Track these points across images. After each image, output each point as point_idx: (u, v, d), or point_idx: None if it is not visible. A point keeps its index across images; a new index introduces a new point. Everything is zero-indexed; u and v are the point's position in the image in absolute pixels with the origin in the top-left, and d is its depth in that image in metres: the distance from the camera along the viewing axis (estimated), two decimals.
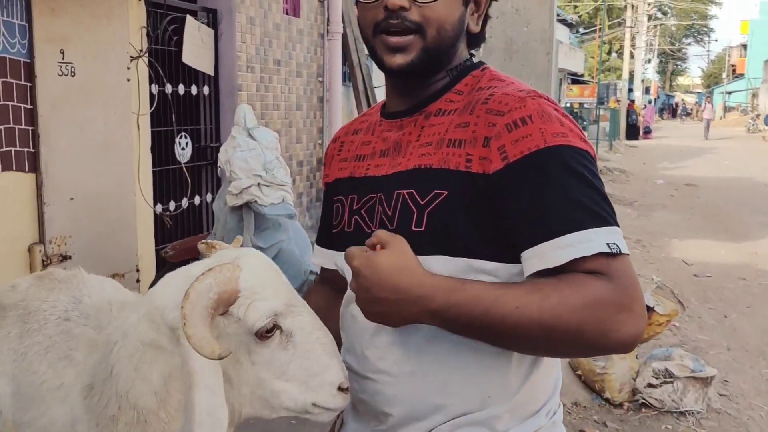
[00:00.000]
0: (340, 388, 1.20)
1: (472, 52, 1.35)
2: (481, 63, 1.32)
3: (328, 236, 1.41)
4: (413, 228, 1.18)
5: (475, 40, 1.33)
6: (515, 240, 1.13)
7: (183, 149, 5.29)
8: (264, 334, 1.16)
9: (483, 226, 1.14)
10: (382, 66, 1.25)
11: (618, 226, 1.14)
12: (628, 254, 1.12)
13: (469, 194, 1.15)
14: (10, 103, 3.70)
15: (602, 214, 1.12)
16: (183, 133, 5.30)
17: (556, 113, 1.16)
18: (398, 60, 1.21)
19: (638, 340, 1.09)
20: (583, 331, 1.05)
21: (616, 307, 1.05)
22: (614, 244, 1.10)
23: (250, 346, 1.16)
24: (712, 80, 65.98)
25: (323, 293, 1.50)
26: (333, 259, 1.40)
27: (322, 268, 1.50)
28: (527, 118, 1.13)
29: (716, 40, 79.75)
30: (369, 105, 8.34)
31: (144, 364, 1.19)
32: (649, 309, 4.03)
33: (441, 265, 1.15)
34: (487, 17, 1.32)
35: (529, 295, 1.06)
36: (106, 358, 1.27)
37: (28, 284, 1.76)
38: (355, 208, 1.30)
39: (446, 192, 1.16)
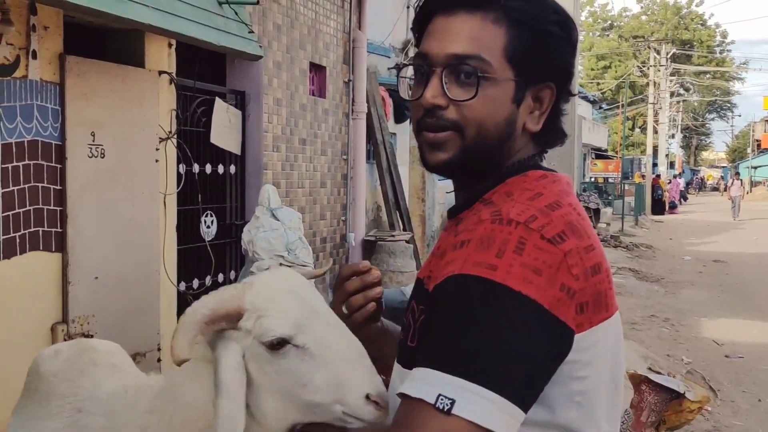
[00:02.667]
0: (368, 398, 1.21)
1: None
2: (534, 166, 1.19)
3: None
4: (408, 343, 1.14)
5: (541, 138, 1.20)
6: None
7: (208, 227, 5.35)
8: (274, 348, 1.22)
9: None
10: (424, 163, 1.19)
11: (495, 391, 0.94)
12: (467, 420, 0.93)
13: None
14: (39, 185, 3.78)
15: (463, 363, 0.96)
16: (209, 212, 5.37)
17: (518, 245, 1.00)
18: (436, 157, 1.15)
19: None
20: None
21: None
22: (449, 399, 0.94)
23: (269, 357, 1.23)
24: (737, 155, 65.83)
25: None
26: None
27: None
28: (466, 243, 1.04)
29: (739, 116, 79.38)
30: (392, 182, 8.41)
31: (201, 375, 1.31)
32: (680, 395, 3.92)
33: None
34: (558, 113, 1.20)
35: None
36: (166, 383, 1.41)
37: (68, 355, 1.80)
38: None
39: (423, 307, 1.10)
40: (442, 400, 0.94)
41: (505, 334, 0.96)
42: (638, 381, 3.98)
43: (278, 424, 1.28)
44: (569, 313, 1.01)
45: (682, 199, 37.16)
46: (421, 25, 1.19)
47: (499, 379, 0.95)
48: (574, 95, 1.24)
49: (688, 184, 49.79)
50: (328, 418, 1.24)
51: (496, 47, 1.11)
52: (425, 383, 0.97)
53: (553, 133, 1.21)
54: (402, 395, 1.00)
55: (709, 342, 7.94)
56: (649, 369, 4.09)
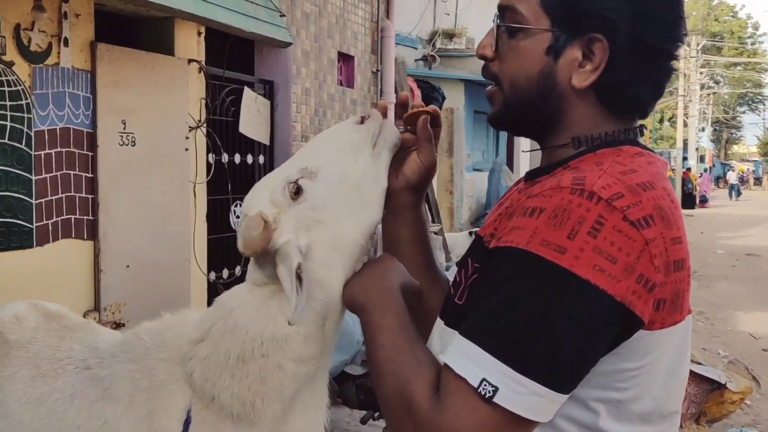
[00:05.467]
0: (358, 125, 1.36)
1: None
2: (630, 141, 1.07)
3: None
4: (456, 300, 1.09)
5: (607, 101, 1.07)
6: None
7: (238, 217, 5.33)
8: (297, 195, 1.32)
9: None
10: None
11: (543, 384, 0.90)
12: (508, 410, 0.90)
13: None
14: (72, 172, 3.78)
15: (514, 351, 0.90)
16: (238, 202, 5.34)
17: (595, 225, 0.90)
18: (490, 111, 1.18)
19: None
20: (387, 410, 1.03)
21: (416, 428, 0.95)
22: (491, 387, 0.90)
23: (300, 208, 1.31)
24: None
25: None
26: None
27: None
28: (538, 211, 0.94)
29: None
30: None
31: (272, 310, 1.36)
32: (721, 386, 3.82)
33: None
34: (631, 71, 1.04)
35: (400, 350, 1.04)
36: (221, 323, 1.42)
37: (35, 324, 1.78)
38: None
39: (478, 265, 1.05)
40: (485, 386, 0.91)
41: (563, 325, 0.89)
42: None
43: (352, 246, 1.30)
44: (646, 309, 0.92)
45: (737, 197, 36.25)
46: None
47: (549, 373, 0.90)
48: (662, 49, 1.07)
49: (717, 178, 48.95)
50: (379, 180, 1.30)
51: None
52: (471, 361, 0.92)
53: (620, 96, 1.07)
54: (446, 366, 0.96)
55: (746, 335, 7.78)
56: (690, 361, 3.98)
